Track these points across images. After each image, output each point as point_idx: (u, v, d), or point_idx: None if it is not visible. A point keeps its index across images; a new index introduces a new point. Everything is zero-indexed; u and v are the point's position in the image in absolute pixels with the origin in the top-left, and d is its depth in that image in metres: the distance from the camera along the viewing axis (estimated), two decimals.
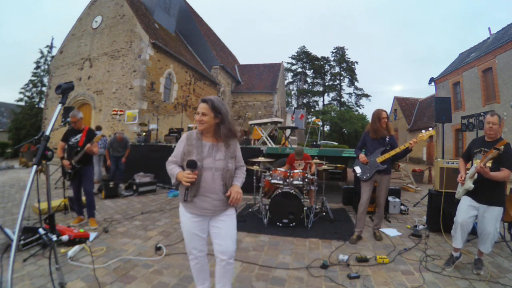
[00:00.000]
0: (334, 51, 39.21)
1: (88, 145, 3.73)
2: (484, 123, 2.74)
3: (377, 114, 3.54)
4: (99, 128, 8.00)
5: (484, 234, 2.64)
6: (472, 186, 2.63)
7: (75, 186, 3.97)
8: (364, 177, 3.54)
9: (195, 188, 1.78)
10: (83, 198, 4.12)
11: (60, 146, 3.94)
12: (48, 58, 19.17)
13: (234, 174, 1.96)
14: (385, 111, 3.57)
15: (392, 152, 3.39)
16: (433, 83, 18.97)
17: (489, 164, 2.48)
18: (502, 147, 2.41)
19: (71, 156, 3.85)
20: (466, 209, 2.70)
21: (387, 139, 3.49)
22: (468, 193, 2.72)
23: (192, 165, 1.73)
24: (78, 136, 3.89)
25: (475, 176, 2.63)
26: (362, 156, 3.56)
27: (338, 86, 39.33)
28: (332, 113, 34.40)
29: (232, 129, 1.90)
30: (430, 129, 3.33)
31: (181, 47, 17.24)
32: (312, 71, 40.05)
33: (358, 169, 3.65)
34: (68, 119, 4.16)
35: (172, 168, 1.86)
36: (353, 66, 38.48)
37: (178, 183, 1.83)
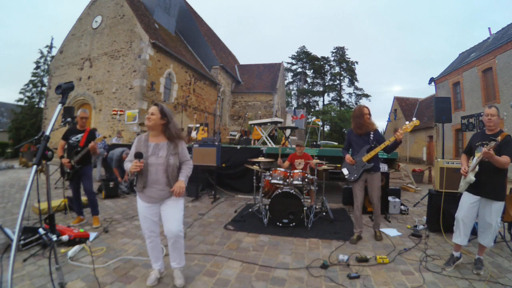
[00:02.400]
0: (334, 51, 39.31)
1: (92, 142, 3.70)
2: (483, 116, 2.75)
3: (359, 110, 3.49)
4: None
5: (485, 228, 2.67)
6: (474, 179, 2.63)
7: (74, 186, 3.95)
8: (352, 178, 3.49)
9: (143, 180, 2.20)
10: (83, 198, 4.11)
11: (61, 144, 3.92)
12: (48, 58, 19.19)
13: (180, 169, 2.34)
14: (366, 107, 3.51)
15: (378, 149, 3.32)
16: (433, 83, 18.97)
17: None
18: (499, 137, 2.44)
19: (70, 155, 3.83)
20: (468, 205, 2.71)
21: (372, 135, 3.43)
22: (469, 187, 2.73)
23: (138, 155, 2.14)
24: (79, 135, 3.86)
25: (476, 169, 2.64)
26: (348, 157, 3.50)
27: (338, 86, 39.36)
28: (332, 113, 34.42)
29: (177, 131, 2.34)
30: (414, 119, 3.26)
31: (181, 47, 17.24)
32: (312, 71, 40.10)
33: (345, 171, 3.59)
34: (69, 119, 4.16)
35: (126, 165, 2.26)
36: (353, 66, 38.54)
37: (133, 177, 2.28)
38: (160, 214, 2.32)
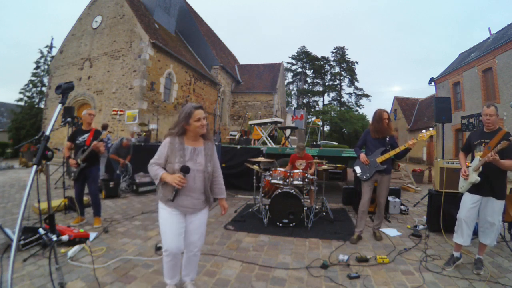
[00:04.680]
0: (334, 51, 39.28)
1: (95, 142, 3.73)
2: (482, 115, 2.76)
3: (379, 115, 3.55)
4: (105, 126, 7.89)
5: (487, 227, 2.67)
6: (479, 178, 2.62)
7: (78, 187, 3.95)
8: (364, 177, 3.53)
9: (176, 188, 1.96)
10: (84, 198, 4.11)
11: (67, 146, 3.96)
12: (48, 58, 19.19)
13: (215, 183, 2.21)
14: (386, 112, 3.59)
15: (392, 153, 3.42)
16: (433, 83, 18.97)
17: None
18: (507, 130, 2.44)
19: (77, 155, 3.87)
20: (469, 205, 2.71)
21: (387, 139, 3.52)
22: (471, 188, 2.72)
23: (185, 170, 1.92)
24: (86, 135, 3.91)
25: (480, 169, 2.63)
26: (362, 156, 3.55)
27: (338, 86, 39.34)
28: (332, 113, 34.38)
29: (210, 131, 2.13)
30: (431, 129, 3.34)
31: (181, 47, 17.24)
32: (312, 71, 40.06)
33: (358, 169, 3.64)
34: (69, 119, 4.18)
35: (156, 170, 2.00)
36: (353, 66, 38.51)
37: (161, 184, 2.03)
38: (186, 225, 2.09)
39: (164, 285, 2.36)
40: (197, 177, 2.02)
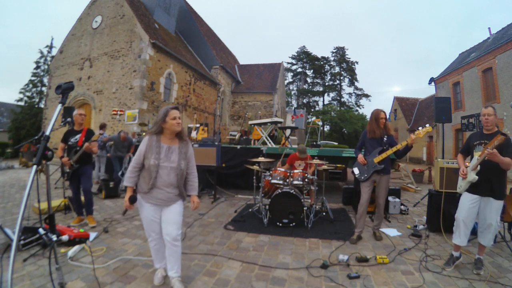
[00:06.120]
0: (334, 51, 39.29)
1: (87, 144, 3.74)
2: (481, 116, 2.77)
3: (375, 114, 3.54)
4: (103, 126, 7.84)
5: (485, 228, 2.67)
6: (476, 177, 2.62)
7: (74, 186, 3.97)
8: (362, 177, 3.54)
9: (152, 182, 2.17)
10: (82, 198, 4.12)
11: (61, 147, 3.97)
12: (48, 58, 19.18)
13: (188, 180, 2.37)
14: (383, 111, 3.56)
15: (389, 152, 3.39)
16: (433, 83, 18.96)
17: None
18: (507, 130, 2.43)
19: (70, 156, 3.87)
20: (468, 205, 2.70)
21: (385, 138, 3.50)
22: (470, 188, 2.72)
23: (132, 200, 2.19)
24: (78, 136, 3.92)
25: (478, 168, 2.63)
26: (360, 157, 3.57)
27: (338, 86, 39.36)
28: (332, 113, 34.39)
29: (186, 132, 2.42)
30: (427, 125, 3.31)
31: (181, 47, 17.24)
32: (312, 71, 40.08)
33: (356, 170, 3.66)
34: (69, 119, 4.18)
35: (128, 178, 2.25)
36: (353, 66, 38.52)
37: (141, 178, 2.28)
38: (161, 216, 2.31)
39: (164, 285, 2.36)
40: (170, 172, 2.21)
